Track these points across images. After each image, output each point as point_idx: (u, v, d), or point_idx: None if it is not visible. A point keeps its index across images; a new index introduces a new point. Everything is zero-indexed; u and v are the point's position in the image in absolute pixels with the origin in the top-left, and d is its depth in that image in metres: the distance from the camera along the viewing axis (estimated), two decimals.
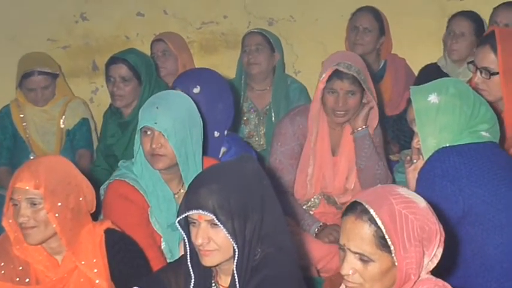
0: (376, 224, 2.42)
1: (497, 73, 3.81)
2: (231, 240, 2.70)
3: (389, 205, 2.43)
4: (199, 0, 6.01)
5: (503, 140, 3.55)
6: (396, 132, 5.13)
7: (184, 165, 3.46)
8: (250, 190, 2.74)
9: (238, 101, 5.11)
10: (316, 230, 4.03)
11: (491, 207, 3.14)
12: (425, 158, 3.26)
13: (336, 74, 4.02)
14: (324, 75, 4.01)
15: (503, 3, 5.12)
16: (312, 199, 4.20)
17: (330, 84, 4.03)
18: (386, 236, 2.41)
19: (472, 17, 5.13)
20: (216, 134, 3.89)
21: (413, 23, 5.77)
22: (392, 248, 2.41)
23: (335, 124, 4.14)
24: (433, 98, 3.27)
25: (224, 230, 2.69)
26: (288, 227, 3.21)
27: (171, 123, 3.40)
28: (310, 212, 4.16)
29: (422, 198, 2.49)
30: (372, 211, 2.43)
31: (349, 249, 2.48)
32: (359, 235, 2.45)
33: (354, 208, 2.48)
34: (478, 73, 3.87)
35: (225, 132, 3.96)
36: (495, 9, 5.11)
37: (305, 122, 4.12)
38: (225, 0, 5.97)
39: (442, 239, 2.46)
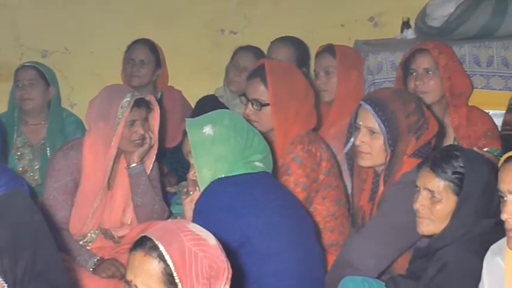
0: (165, 261, 2.39)
1: (268, 104, 3.93)
2: (1, 280, 2.58)
3: (180, 242, 2.41)
4: None
5: (275, 169, 3.64)
6: (174, 164, 5.15)
7: None
8: (20, 227, 2.63)
9: (6, 134, 4.94)
10: (93, 264, 3.95)
11: (266, 237, 3.20)
12: (202, 189, 3.29)
13: (135, 104, 3.98)
14: (125, 111, 3.94)
15: (278, 39, 5.28)
16: (89, 234, 4.12)
17: (131, 116, 3.98)
18: (175, 274, 2.39)
19: (257, 53, 5.24)
20: None
21: (189, 56, 5.85)
22: (179, 286, 2.39)
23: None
24: (208, 130, 3.31)
25: None
26: (64, 263, 3.13)
27: None
28: (87, 247, 4.08)
29: (212, 235, 2.48)
30: (161, 247, 2.40)
31: (135, 286, 2.43)
32: (147, 272, 2.40)
33: (144, 244, 2.43)
34: (250, 105, 3.98)
35: None
36: (271, 43, 5.26)
37: (79, 156, 4.03)
38: None
39: (229, 276, 2.46)
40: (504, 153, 2.80)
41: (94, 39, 5.85)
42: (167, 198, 4.54)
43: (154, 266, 2.41)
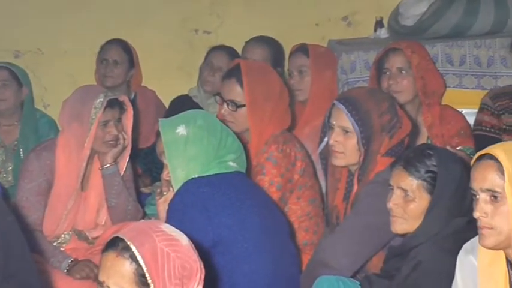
0: (137, 261, 2.38)
1: (244, 105, 3.92)
2: None
3: (152, 242, 2.40)
4: None
5: (249, 169, 3.64)
6: (148, 164, 5.13)
7: None
8: None
9: None
10: (67, 266, 3.93)
11: (239, 236, 3.20)
12: (175, 190, 3.28)
13: (109, 104, 3.97)
14: (98, 112, 3.93)
15: (253, 39, 5.27)
16: (63, 235, 4.10)
17: (104, 117, 3.97)
18: (147, 275, 2.38)
19: (231, 53, 5.24)
20: None
21: (163, 56, 5.83)
22: (152, 286, 2.38)
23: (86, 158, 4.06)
24: (181, 130, 3.30)
25: None
26: (37, 264, 3.11)
27: None
28: (61, 249, 4.06)
29: (184, 236, 2.47)
30: (133, 248, 2.39)
31: (108, 287, 2.41)
32: (119, 272, 2.39)
33: (116, 244, 2.42)
34: (225, 105, 3.97)
35: None
36: (246, 43, 5.26)
37: (52, 157, 4.01)
38: None
39: (202, 276, 2.46)
40: (477, 151, 2.81)
41: (67, 39, 5.82)
42: (141, 199, 4.52)
43: (126, 266, 2.40)
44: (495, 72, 4.79)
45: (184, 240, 2.46)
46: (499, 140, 4.16)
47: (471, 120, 4.49)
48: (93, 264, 3.92)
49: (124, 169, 4.16)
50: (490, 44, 4.79)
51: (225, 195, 3.23)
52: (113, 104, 4.01)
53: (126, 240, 2.41)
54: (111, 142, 4.04)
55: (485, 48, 4.78)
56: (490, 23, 4.91)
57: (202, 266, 2.46)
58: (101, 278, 2.44)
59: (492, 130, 4.32)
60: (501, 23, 4.91)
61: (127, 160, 4.17)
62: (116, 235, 2.45)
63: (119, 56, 5.34)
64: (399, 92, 4.25)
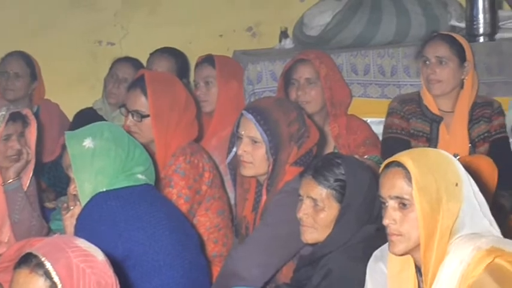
0: (51, 278, 2.31)
1: (148, 115, 3.89)
2: None
3: (67, 258, 2.33)
4: None
5: (157, 181, 3.61)
6: (52, 179, 5.04)
7: None
8: None
9: None
10: None
11: (149, 250, 3.17)
12: (83, 204, 3.22)
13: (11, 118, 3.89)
14: (0, 125, 3.85)
15: (157, 50, 5.25)
16: None
17: (6, 130, 3.89)
18: None
19: (136, 64, 5.22)
20: None
21: (66, 68, 5.76)
22: None
23: None
24: (88, 143, 3.25)
25: None
26: None
27: None
28: None
29: (100, 251, 2.42)
30: (48, 265, 2.31)
31: None
32: None
33: (29, 260, 2.34)
34: (130, 116, 3.93)
35: None
36: (150, 55, 5.22)
37: None
38: None
39: None
40: (384, 159, 2.84)
41: None
42: (46, 214, 4.44)
43: (40, 284, 2.33)
44: (398, 81, 4.86)
45: (99, 255, 2.40)
46: (410, 142, 4.23)
47: (376, 129, 4.54)
48: None
49: (28, 184, 4.08)
50: (393, 53, 4.86)
51: (134, 209, 3.19)
52: (16, 117, 3.93)
53: (40, 257, 2.34)
54: (13, 157, 3.95)
55: (388, 58, 4.85)
56: (392, 33, 4.99)
57: (117, 282, 2.41)
58: None
59: (403, 132, 4.35)
60: (403, 33, 5.00)
61: (31, 175, 4.08)
62: (29, 251, 2.38)
63: (20, 69, 5.25)
64: (307, 103, 4.28)
